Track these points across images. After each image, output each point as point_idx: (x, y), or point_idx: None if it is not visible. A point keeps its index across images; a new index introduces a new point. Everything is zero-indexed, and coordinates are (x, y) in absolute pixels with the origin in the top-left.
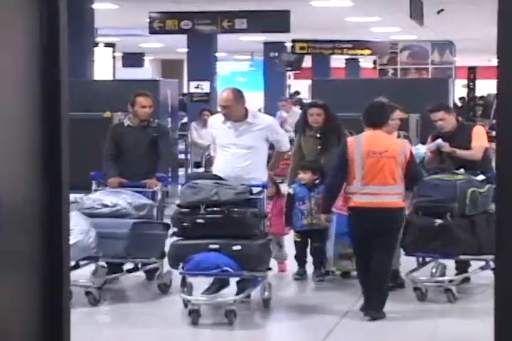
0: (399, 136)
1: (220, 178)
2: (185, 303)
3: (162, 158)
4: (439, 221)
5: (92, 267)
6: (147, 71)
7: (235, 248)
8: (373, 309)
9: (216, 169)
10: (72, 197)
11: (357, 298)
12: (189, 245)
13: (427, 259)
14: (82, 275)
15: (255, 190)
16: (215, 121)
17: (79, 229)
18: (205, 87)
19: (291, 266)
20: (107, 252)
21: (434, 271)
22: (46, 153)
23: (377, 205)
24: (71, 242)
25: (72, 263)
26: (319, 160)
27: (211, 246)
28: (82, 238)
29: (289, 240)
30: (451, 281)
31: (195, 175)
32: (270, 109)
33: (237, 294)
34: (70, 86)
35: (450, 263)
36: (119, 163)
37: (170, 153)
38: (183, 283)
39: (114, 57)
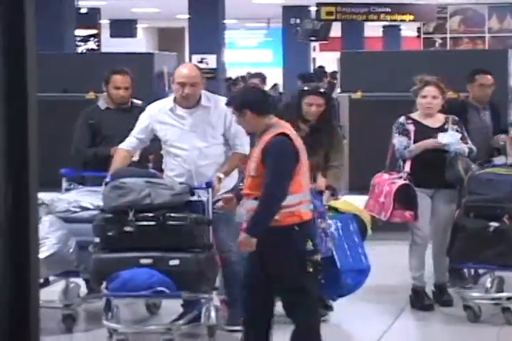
0: (446, 122)
1: (155, 175)
2: (110, 332)
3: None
4: (494, 224)
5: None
6: (140, 42)
7: (172, 263)
8: None
9: (172, 175)
10: (41, 197)
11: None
12: (115, 259)
13: (481, 271)
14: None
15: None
16: (157, 110)
17: (55, 238)
18: (211, 61)
19: None
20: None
21: (489, 285)
22: (9, 143)
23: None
24: (46, 254)
25: (41, 279)
26: None
27: (142, 261)
28: (59, 249)
29: None
30: (510, 299)
31: (121, 171)
32: (290, 87)
33: (176, 319)
34: (45, 61)
35: (509, 277)
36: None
37: None
38: (108, 306)
39: (99, 25)
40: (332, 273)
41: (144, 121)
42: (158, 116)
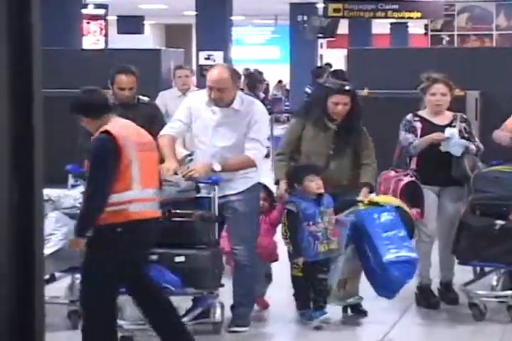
0: (454, 119)
1: None
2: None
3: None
4: (500, 222)
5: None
6: (147, 39)
7: (177, 259)
8: None
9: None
10: (47, 193)
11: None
12: None
13: (486, 269)
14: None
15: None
16: (196, 99)
17: (61, 234)
18: (218, 58)
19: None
20: None
21: (495, 283)
22: (14, 139)
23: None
24: (52, 250)
25: (47, 275)
26: (328, 166)
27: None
28: (65, 245)
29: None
30: None
31: None
32: (297, 84)
33: (182, 316)
34: (52, 57)
35: None
36: None
37: None
38: None
39: (106, 22)
40: (377, 268)
41: (184, 105)
42: (195, 104)
